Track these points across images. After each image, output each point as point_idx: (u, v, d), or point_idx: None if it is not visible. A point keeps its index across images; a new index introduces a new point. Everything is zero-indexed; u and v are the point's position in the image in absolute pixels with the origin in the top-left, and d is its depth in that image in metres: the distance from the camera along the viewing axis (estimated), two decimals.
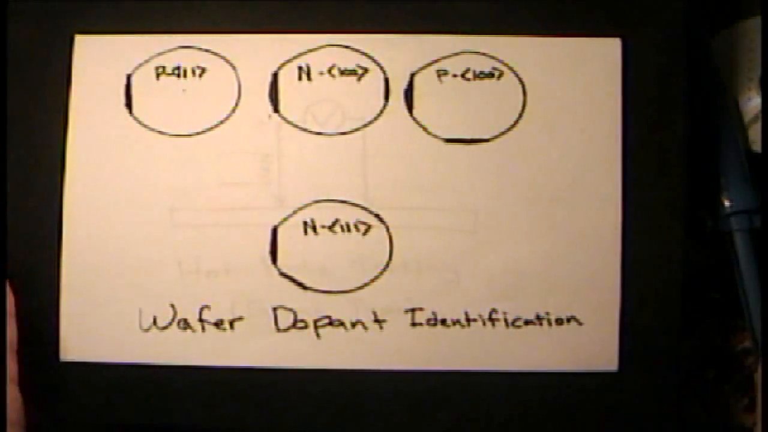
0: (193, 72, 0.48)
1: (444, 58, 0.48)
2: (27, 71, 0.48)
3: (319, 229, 0.47)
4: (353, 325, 0.47)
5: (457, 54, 0.48)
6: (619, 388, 0.46)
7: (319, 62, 0.48)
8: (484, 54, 0.48)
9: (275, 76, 0.48)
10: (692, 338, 0.46)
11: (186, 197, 0.47)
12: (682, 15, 0.48)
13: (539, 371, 0.46)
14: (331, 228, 0.47)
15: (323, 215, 0.47)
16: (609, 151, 0.47)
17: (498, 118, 0.48)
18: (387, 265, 0.47)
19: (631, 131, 0.48)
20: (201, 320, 0.47)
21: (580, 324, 0.47)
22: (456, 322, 0.47)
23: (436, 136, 0.48)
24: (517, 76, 0.48)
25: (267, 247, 0.47)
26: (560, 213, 0.47)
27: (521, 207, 0.47)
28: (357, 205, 0.47)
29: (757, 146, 0.54)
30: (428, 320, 0.47)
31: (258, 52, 0.48)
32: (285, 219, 0.47)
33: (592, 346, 0.47)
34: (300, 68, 0.48)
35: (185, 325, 0.47)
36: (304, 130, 0.48)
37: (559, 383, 0.46)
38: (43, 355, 0.47)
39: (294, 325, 0.47)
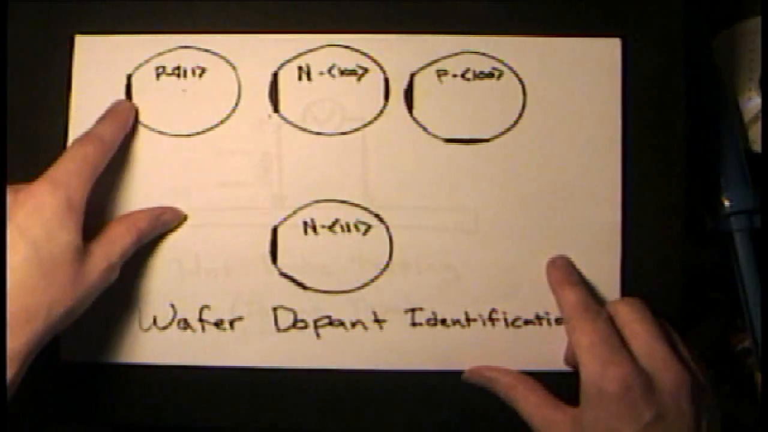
0: (193, 72, 0.48)
1: (444, 58, 0.48)
2: (27, 71, 0.48)
3: (319, 229, 0.47)
4: (353, 325, 0.47)
5: (457, 54, 0.48)
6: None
7: (319, 62, 0.48)
8: (484, 54, 0.48)
9: (275, 76, 0.48)
10: (692, 338, 0.46)
11: (186, 197, 0.47)
12: (682, 15, 0.48)
13: (539, 371, 0.46)
14: (331, 228, 0.47)
15: (323, 215, 0.47)
16: (609, 151, 0.47)
17: (498, 118, 0.48)
18: (387, 265, 0.47)
19: (631, 131, 0.48)
20: (201, 320, 0.47)
21: None
22: (456, 322, 0.47)
23: (436, 136, 0.48)
24: (517, 76, 0.48)
25: (267, 247, 0.47)
26: (560, 213, 0.47)
27: (521, 207, 0.47)
28: (357, 205, 0.47)
29: (757, 146, 0.54)
30: (428, 320, 0.47)
31: (258, 52, 0.48)
32: (285, 219, 0.47)
33: None
34: (300, 68, 0.48)
35: (185, 325, 0.47)
36: (304, 130, 0.48)
37: (559, 383, 0.45)
38: (43, 355, 0.47)
39: (294, 325, 0.47)
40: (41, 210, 0.41)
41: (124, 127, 0.46)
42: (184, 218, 0.47)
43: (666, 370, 0.41)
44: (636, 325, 0.43)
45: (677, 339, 0.43)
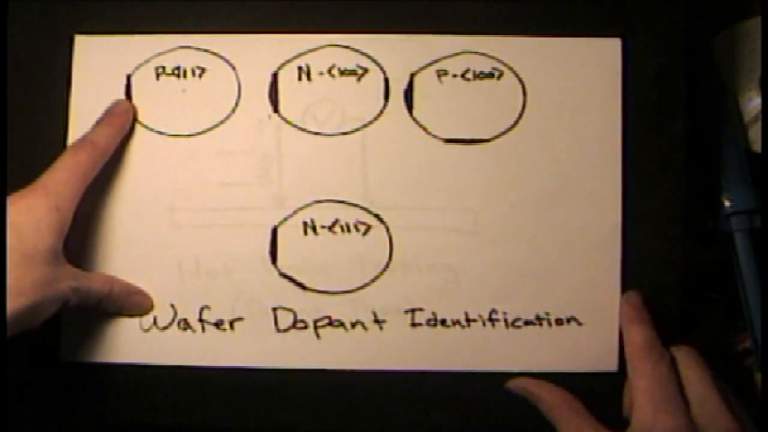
0: (193, 72, 0.48)
1: (444, 58, 0.48)
2: (27, 71, 0.48)
3: (319, 230, 0.47)
4: (353, 325, 0.47)
5: (457, 54, 0.48)
6: (619, 388, 0.46)
7: (319, 62, 0.48)
8: (484, 54, 0.48)
9: (275, 76, 0.48)
10: (692, 338, 0.46)
11: (186, 197, 0.47)
12: (682, 15, 0.48)
13: (539, 371, 0.46)
14: (331, 228, 0.47)
15: (323, 215, 0.47)
16: (609, 151, 0.47)
17: (498, 118, 0.48)
18: (387, 266, 0.47)
19: (631, 131, 0.48)
20: (201, 320, 0.47)
21: (580, 324, 0.47)
22: (456, 322, 0.47)
23: (436, 136, 0.48)
24: (517, 76, 0.48)
25: (267, 247, 0.47)
26: (560, 213, 0.47)
27: (521, 207, 0.47)
28: (357, 206, 0.47)
29: (757, 146, 0.54)
30: (428, 320, 0.47)
31: (258, 52, 0.48)
32: (285, 219, 0.47)
33: (592, 346, 0.47)
34: (300, 68, 0.48)
35: (185, 325, 0.47)
36: (304, 130, 0.48)
37: (559, 383, 0.45)
38: (43, 355, 0.47)
39: (294, 326, 0.47)
40: (32, 210, 0.42)
41: (121, 130, 0.47)
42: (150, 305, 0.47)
43: (717, 420, 0.41)
44: (690, 372, 0.43)
45: (728, 389, 0.43)
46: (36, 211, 0.42)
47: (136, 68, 0.48)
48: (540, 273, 0.47)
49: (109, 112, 0.47)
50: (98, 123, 0.46)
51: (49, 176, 0.44)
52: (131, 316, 0.47)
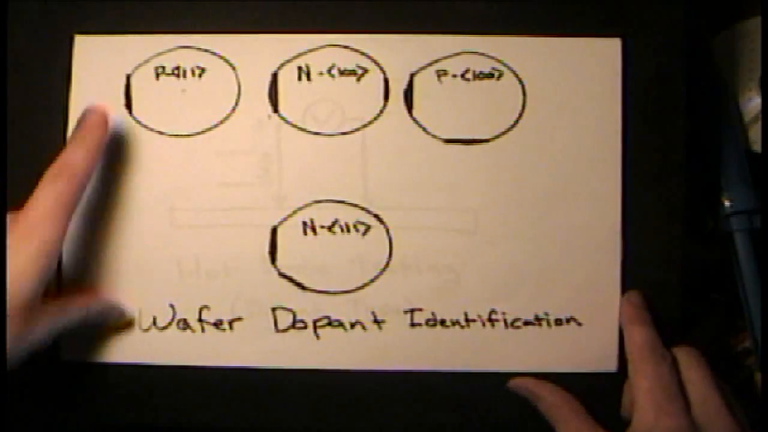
0: (193, 72, 0.48)
1: (444, 58, 0.48)
2: (27, 71, 0.48)
3: (318, 230, 0.47)
4: (352, 325, 0.47)
5: (457, 54, 0.48)
6: (619, 389, 0.46)
7: (319, 62, 0.48)
8: (484, 54, 0.48)
9: (275, 76, 0.48)
10: (692, 338, 0.46)
11: (186, 197, 0.47)
12: (682, 15, 0.48)
13: (539, 372, 0.46)
14: (330, 228, 0.47)
15: (323, 215, 0.47)
16: (609, 151, 0.47)
17: (498, 118, 0.48)
18: (386, 266, 0.47)
19: (631, 131, 0.47)
20: (200, 320, 0.47)
21: (580, 324, 0.47)
22: (455, 322, 0.47)
23: (435, 137, 0.48)
24: (517, 76, 0.48)
25: (266, 247, 0.47)
26: (560, 213, 0.47)
27: (521, 207, 0.47)
28: (356, 206, 0.47)
29: (757, 146, 0.54)
30: (427, 320, 0.47)
31: (258, 52, 0.48)
32: (284, 219, 0.47)
33: (592, 346, 0.47)
34: (300, 68, 0.48)
35: (185, 325, 0.47)
36: (304, 130, 0.48)
37: (558, 383, 0.45)
38: (43, 355, 0.47)
39: (293, 326, 0.47)
40: (13, 259, 0.40)
41: (96, 147, 0.44)
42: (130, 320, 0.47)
43: (717, 420, 0.41)
44: (692, 372, 0.43)
45: (728, 389, 0.44)
46: (18, 260, 0.40)
47: (136, 68, 0.48)
48: (540, 273, 0.47)
49: (81, 127, 0.44)
50: (72, 140, 0.44)
51: (30, 210, 0.41)
52: (116, 326, 0.47)
